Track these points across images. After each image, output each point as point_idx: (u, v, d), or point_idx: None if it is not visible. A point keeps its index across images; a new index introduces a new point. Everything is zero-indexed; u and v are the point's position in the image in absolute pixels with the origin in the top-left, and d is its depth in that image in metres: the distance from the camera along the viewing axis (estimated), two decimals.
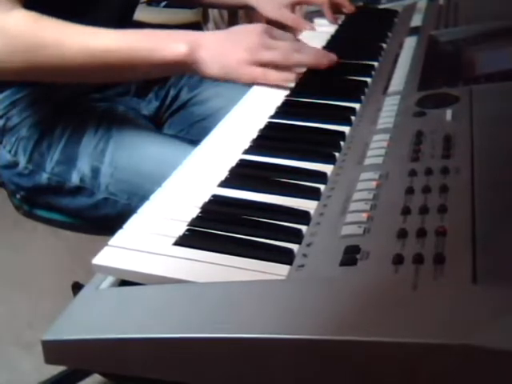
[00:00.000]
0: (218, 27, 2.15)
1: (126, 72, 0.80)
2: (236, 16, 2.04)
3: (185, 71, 0.85)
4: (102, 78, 0.85)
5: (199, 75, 0.81)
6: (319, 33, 1.09)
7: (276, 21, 1.22)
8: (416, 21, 1.03)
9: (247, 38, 0.80)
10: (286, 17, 1.16)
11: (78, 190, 0.93)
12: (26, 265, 1.75)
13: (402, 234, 0.47)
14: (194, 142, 0.75)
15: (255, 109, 0.78)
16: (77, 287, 1.19)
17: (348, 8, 1.16)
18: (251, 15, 2.00)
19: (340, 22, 1.15)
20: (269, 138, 0.71)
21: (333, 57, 0.84)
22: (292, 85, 0.83)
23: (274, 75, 0.80)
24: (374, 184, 0.56)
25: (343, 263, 0.46)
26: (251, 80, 0.80)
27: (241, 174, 0.63)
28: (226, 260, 0.49)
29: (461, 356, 0.36)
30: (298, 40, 0.87)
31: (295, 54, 0.82)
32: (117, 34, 0.77)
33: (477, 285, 0.40)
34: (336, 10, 1.16)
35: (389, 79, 0.81)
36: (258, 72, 0.79)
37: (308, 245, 0.50)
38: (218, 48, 0.79)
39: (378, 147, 0.62)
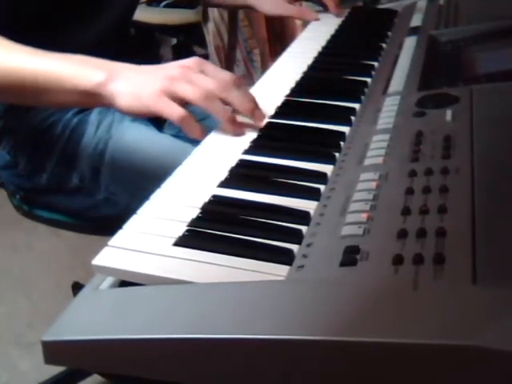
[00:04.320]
0: (217, 27, 2.15)
1: (41, 96, 0.73)
2: (236, 16, 2.04)
3: (98, 104, 0.73)
4: (14, 98, 0.78)
5: (113, 108, 0.72)
6: (319, 33, 1.09)
7: (279, 16, 1.22)
8: (416, 21, 1.03)
9: (169, 69, 0.70)
10: (288, 10, 1.15)
11: (77, 190, 0.93)
12: (26, 265, 1.75)
13: (402, 235, 0.47)
14: (194, 141, 0.75)
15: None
16: (77, 287, 1.19)
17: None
18: (251, 15, 2.00)
19: (343, 16, 1.15)
20: (269, 138, 0.71)
21: (260, 115, 0.73)
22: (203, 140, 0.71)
23: (178, 113, 0.67)
24: (373, 184, 0.56)
25: (343, 264, 0.46)
26: (157, 110, 0.68)
27: (241, 175, 0.63)
28: (225, 260, 0.49)
29: (461, 356, 0.36)
30: (236, 79, 0.72)
31: (216, 99, 0.69)
32: (32, 54, 0.72)
33: (477, 285, 0.40)
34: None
35: (389, 79, 0.81)
36: (165, 103, 0.67)
37: (308, 245, 0.50)
38: (135, 79, 0.70)
39: (377, 147, 0.62)
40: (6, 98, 0.82)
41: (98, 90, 0.70)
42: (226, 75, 0.71)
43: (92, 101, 0.72)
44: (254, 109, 0.73)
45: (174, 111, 0.67)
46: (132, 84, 0.69)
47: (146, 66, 0.72)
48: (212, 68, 0.71)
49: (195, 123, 0.69)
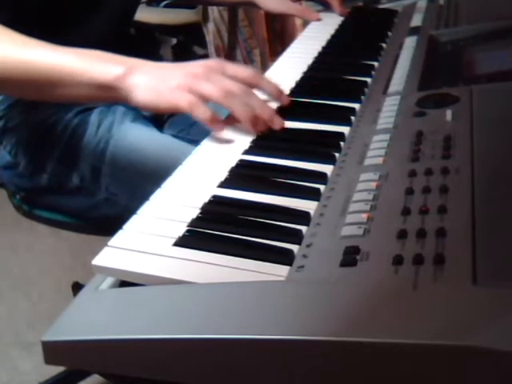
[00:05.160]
0: (218, 27, 2.15)
1: (55, 89, 0.72)
2: (236, 16, 2.04)
3: (113, 99, 0.73)
4: (28, 92, 0.79)
5: (129, 103, 0.71)
6: (319, 33, 1.09)
7: (281, 14, 1.23)
8: (416, 21, 1.03)
9: (190, 66, 0.70)
10: (291, 8, 1.15)
11: (78, 191, 0.93)
12: (26, 265, 1.75)
13: (402, 235, 0.47)
14: (194, 141, 0.75)
15: None
16: (77, 287, 1.20)
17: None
18: (251, 15, 2.00)
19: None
20: (269, 139, 0.71)
21: (279, 121, 0.72)
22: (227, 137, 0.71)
23: (200, 110, 0.67)
24: (373, 185, 0.56)
25: (343, 264, 0.46)
26: (175, 106, 0.67)
27: (241, 175, 0.63)
28: (225, 261, 0.49)
29: (461, 357, 0.36)
30: (257, 76, 0.73)
31: (238, 98, 0.68)
32: (48, 48, 0.72)
33: (477, 285, 0.40)
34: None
35: (389, 79, 0.81)
36: (186, 99, 0.67)
37: (308, 245, 0.50)
38: (154, 73, 0.69)
39: (377, 147, 0.62)
40: (21, 92, 0.82)
41: (115, 83, 0.69)
42: (246, 74, 0.71)
43: (108, 95, 0.71)
44: (274, 116, 0.72)
45: (197, 108, 0.67)
46: (151, 78, 0.69)
47: (165, 63, 0.72)
48: (233, 68, 0.71)
49: (219, 120, 0.69)
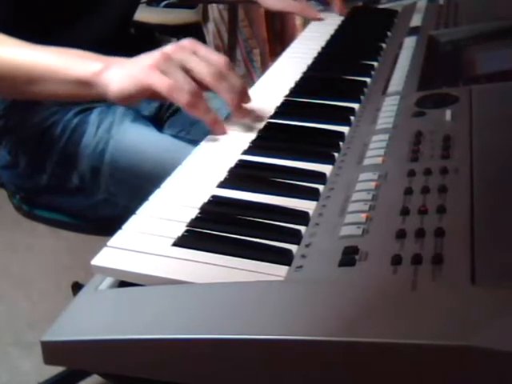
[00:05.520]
0: (217, 27, 2.15)
1: (34, 86, 0.73)
2: (236, 16, 2.04)
3: (91, 95, 0.73)
4: (8, 88, 0.79)
5: (106, 99, 0.72)
6: (319, 33, 1.09)
7: (281, 12, 1.22)
8: (416, 21, 1.03)
9: (163, 49, 0.71)
10: (290, 5, 1.14)
11: (77, 191, 0.93)
12: (26, 265, 1.75)
13: (401, 235, 0.47)
14: (194, 141, 0.75)
15: (255, 109, 0.78)
16: (77, 287, 1.20)
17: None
18: (251, 15, 2.00)
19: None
20: (268, 139, 0.71)
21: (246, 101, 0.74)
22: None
23: (168, 83, 0.67)
24: (373, 184, 0.56)
25: (342, 264, 0.46)
26: (148, 84, 0.67)
27: (240, 175, 0.63)
28: (224, 261, 0.49)
29: (460, 357, 0.36)
30: (228, 63, 0.72)
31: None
32: (28, 47, 0.73)
33: (475, 285, 0.40)
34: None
35: (388, 79, 0.81)
36: (157, 77, 0.67)
37: (307, 245, 0.50)
38: (129, 64, 0.70)
39: (377, 147, 0.62)
40: (2, 90, 0.82)
41: (92, 79, 0.70)
42: (218, 60, 0.70)
43: (86, 92, 0.72)
44: (239, 104, 0.72)
45: (164, 82, 0.67)
46: (125, 68, 0.70)
47: (140, 56, 0.72)
48: (204, 50, 0.71)
49: (184, 93, 0.67)
